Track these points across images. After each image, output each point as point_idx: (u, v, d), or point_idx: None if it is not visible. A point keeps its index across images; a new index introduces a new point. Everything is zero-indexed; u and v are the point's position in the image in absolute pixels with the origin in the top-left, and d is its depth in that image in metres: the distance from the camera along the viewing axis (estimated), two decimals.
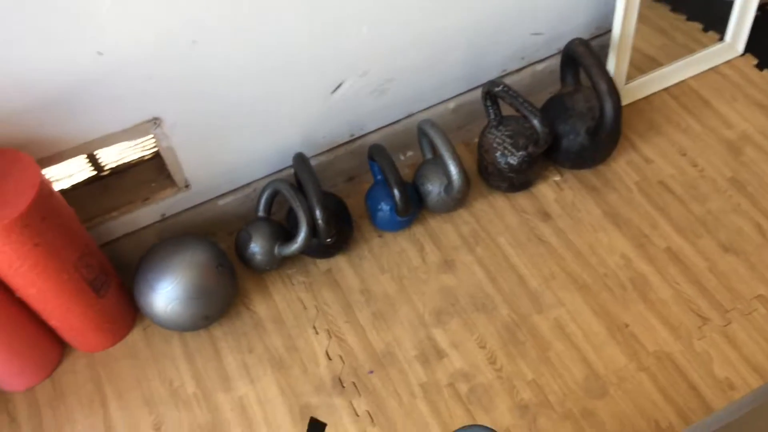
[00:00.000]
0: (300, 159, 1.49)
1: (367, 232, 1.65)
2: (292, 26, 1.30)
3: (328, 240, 1.48)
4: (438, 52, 1.55)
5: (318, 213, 1.43)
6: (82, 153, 1.29)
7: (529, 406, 1.39)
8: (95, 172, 1.48)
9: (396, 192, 1.48)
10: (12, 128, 1.18)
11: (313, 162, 1.57)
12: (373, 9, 1.37)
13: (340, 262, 1.61)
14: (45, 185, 1.15)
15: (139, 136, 1.34)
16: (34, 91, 1.15)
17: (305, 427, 1.39)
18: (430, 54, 1.54)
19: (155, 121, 1.32)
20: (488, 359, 1.45)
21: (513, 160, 1.57)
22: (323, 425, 1.00)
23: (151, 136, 1.35)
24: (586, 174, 1.69)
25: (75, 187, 1.45)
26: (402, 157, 1.73)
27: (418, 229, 1.65)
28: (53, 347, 1.46)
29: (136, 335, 1.53)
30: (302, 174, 1.45)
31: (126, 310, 1.49)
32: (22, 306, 1.32)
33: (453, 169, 1.49)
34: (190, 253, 1.42)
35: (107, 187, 1.49)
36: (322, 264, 1.61)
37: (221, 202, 1.59)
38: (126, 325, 1.51)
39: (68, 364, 1.49)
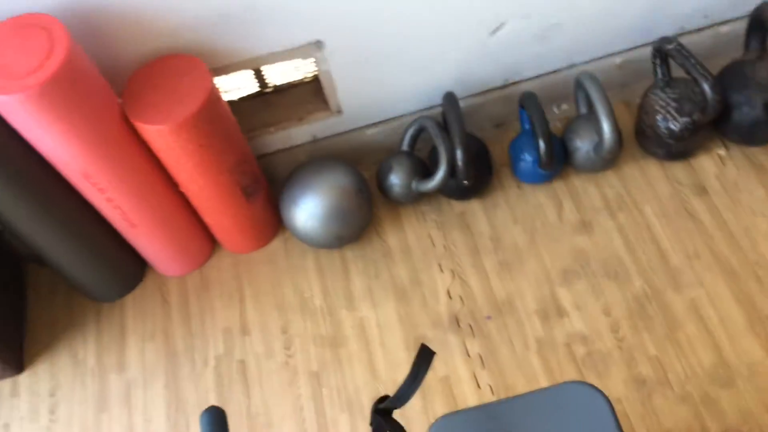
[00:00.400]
0: (450, 98, 1.49)
1: (506, 181, 1.64)
2: None
3: (465, 182, 1.49)
4: (612, 0, 1.47)
5: (459, 153, 1.44)
6: (249, 67, 1.39)
7: (647, 382, 1.34)
8: (259, 89, 1.58)
9: (541, 143, 1.45)
10: (192, 36, 1.28)
11: (463, 104, 1.57)
12: None
13: (474, 206, 1.62)
14: (214, 92, 1.26)
15: (301, 57, 1.41)
16: (216, 3, 1.24)
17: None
18: (603, 1, 1.47)
19: (317, 44, 1.38)
20: (611, 327, 1.41)
21: (675, 126, 1.47)
22: (432, 353, 1.02)
23: (313, 59, 1.42)
24: (756, 152, 1.55)
25: (241, 100, 1.56)
26: (555, 110, 1.68)
27: (559, 185, 1.61)
28: (205, 243, 1.61)
29: (276, 244, 1.65)
30: (449, 113, 1.46)
31: (271, 220, 1.61)
32: (184, 200, 1.46)
33: (606, 127, 1.43)
34: (334, 176, 1.50)
35: (268, 103, 1.59)
36: (457, 206, 1.63)
37: (369, 131, 1.64)
38: (269, 234, 1.63)
39: (216, 260, 1.65)
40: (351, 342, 1.49)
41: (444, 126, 1.54)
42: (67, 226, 1.36)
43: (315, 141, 1.63)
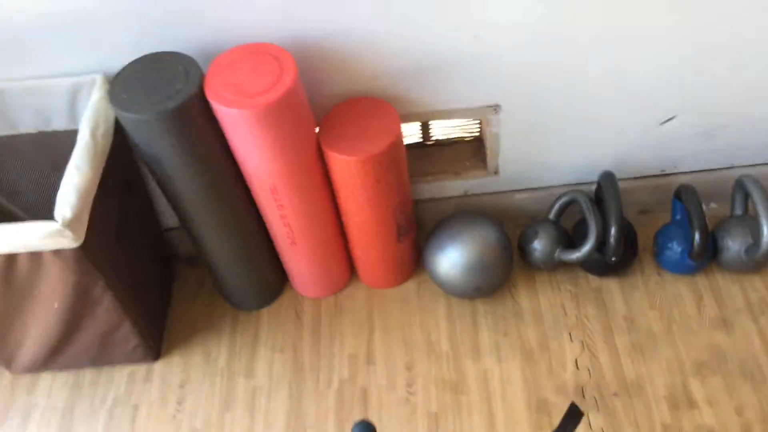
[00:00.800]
0: (610, 176, 1.54)
1: (646, 266, 1.66)
2: (651, 50, 1.35)
3: (613, 259, 1.52)
4: None
5: (613, 230, 1.48)
6: (428, 119, 1.48)
7: None
8: (422, 139, 1.68)
9: (697, 235, 1.48)
10: (387, 83, 1.39)
11: None
12: (738, 49, 1.37)
13: (611, 284, 1.65)
14: (400, 136, 1.35)
15: (475, 117, 1.49)
16: (416, 57, 1.34)
17: (537, 417, 1.46)
18: None
19: (495, 107, 1.46)
20: (742, 428, 1.40)
21: None
22: (581, 414, 1.06)
23: (485, 120, 1.50)
24: None
25: (406, 147, 1.66)
26: (705, 207, 1.70)
27: (701, 279, 1.62)
28: (345, 272, 1.69)
29: (410, 285, 1.71)
30: (608, 190, 1.51)
31: (410, 262, 1.68)
32: (341, 229, 1.56)
33: (766, 232, 1.44)
34: (482, 230, 1.56)
35: (428, 154, 1.68)
36: (594, 281, 1.66)
37: (518, 196, 1.71)
38: (406, 275, 1.70)
39: (351, 290, 1.72)
40: (473, 391, 1.52)
41: (596, 202, 1.58)
42: (237, 234, 1.47)
43: (464, 196, 1.70)
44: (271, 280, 1.67)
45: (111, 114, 1.27)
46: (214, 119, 1.25)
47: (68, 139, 1.39)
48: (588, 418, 1.45)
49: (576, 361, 1.54)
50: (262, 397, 1.57)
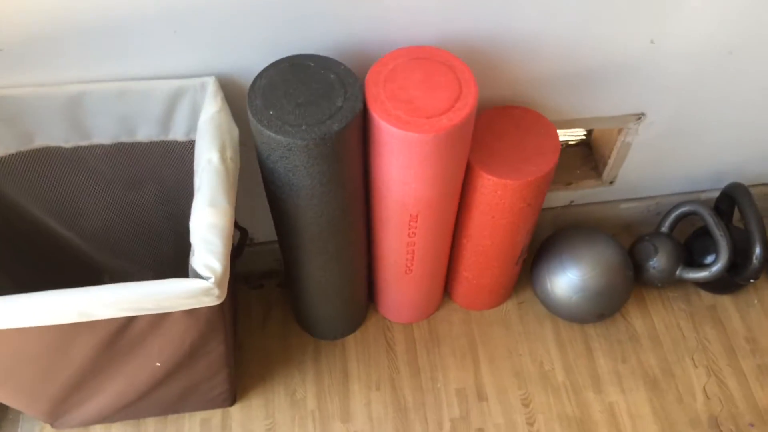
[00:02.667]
0: (742, 188, 1.43)
1: (758, 281, 1.57)
2: None
3: (753, 280, 1.41)
4: None
5: (758, 250, 1.37)
6: (568, 127, 1.30)
7: None
8: None
9: None
10: (533, 87, 1.20)
11: None
12: None
13: (725, 301, 1.55)
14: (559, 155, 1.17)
15: (616, 126, 1.33)
16: (572, 62, 1.16)
17: None
18: None
19: (639, 116, 1.31)
20: None
21: None
22: None
23: (625, 128, 1.34)
24: None
25: None
26: None
27: None
28: (440, 295, 1.50)
29: (509, 306, 1.55)
30: (747, 206, 1.39)
31: (515, 282, 1.51)
32: (448, 250, 1.37)
33: None
34: (608, 250, 1.41)
35: None
36: (707, 298, 1.55)
37: (623, 206, 1.57)
38: (507, 295, 1.54)
39: (444, 313, 1.54)
40: (601, 427, 1.39)
41: (718, 213, 1.47)
42: (346, 263, 1.25)
43: (568, 206, 1.54)
44: (358, 304, 1.46)
45: (235, 130, 1.02)
46: (365, 138, 1.03)
47: (150, 152, 1.14)
48: None
49: (705, 389, 1.43)
50: None
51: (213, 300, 0.91)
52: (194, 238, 0.91)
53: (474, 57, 1.10)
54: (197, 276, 0.89)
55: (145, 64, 1.03)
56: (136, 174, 1.17)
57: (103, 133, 1.09)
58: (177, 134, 1.11)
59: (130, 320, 0.92)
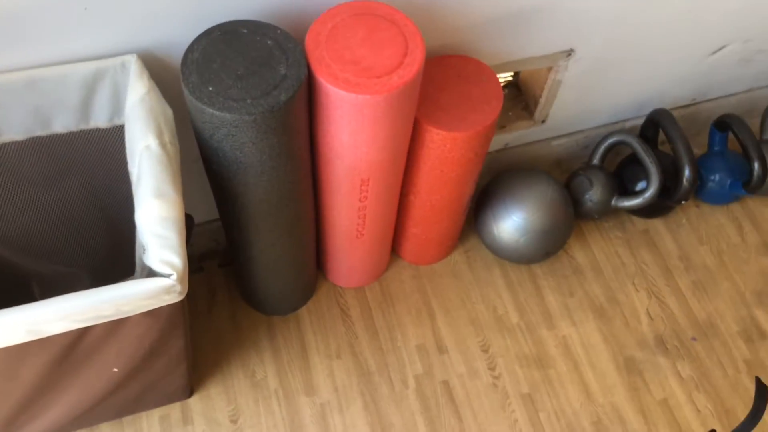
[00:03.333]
0: (668, 114, 1.47)
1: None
2: None
3: (683, 202, 1.47)
4: None
5: (688, 171, 1.42)
6: (505, 71, 1.29)
7: None
8: None
9: (757, 166, 1.47)
10: (466, 36, 1.17)
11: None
12: None
13: (657, 224, 1.61)
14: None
15: (547, 65, 1.33)
16: (502, 4, 1.14)
17: (630, 377, 1.42)
18: None
19: (569, 53, 1.31)
20: None
21: None
22: (766, 388, 1.01)
23: (554, 66, 1.34)
24: None
25: None
26: None
27: (735, 208, 1.64)
28: (388, 253, 1.48)
29: (457, 257, 1.55)
30: (672, 130, 1.44)
31: (460, 232, 1.51)
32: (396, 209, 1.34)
33: None
34: (548, 189, 1.43)
35: None
36: (639, 223, 1.61)
37: (554, 143, 1.59)
38: (453, 245, 1.54)
39: (394, 272, 1.52)
40: (558, 363, 1.43)
41: (644, 141, 1.51)
42: (297, 236, 1.20)
43: (504, 149, 1.55)
44: (307, 276, 1.41)
45: (169, 111, 0.94)
46: (309, 106, 0.97)
47: (70, 143, 1.04)
48: (676, 367, 1.43)
49: (648, 311, 1.50)
50: (335, 414, 1.35)
51: (175, 297, 0.84)
52: (144, 235, 0.84)
53: (410, 8, 1.06)
54: (154, 274, 0.82)
55: (55, 48, 0.92)
56: (57, 168, 1.06)
57: (14, 128, 0.98)
58: (99, 121, 1.01)
59: (84, 330, 0.85)
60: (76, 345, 0.87)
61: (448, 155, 1.15)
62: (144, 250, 0.85)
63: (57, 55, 0.93)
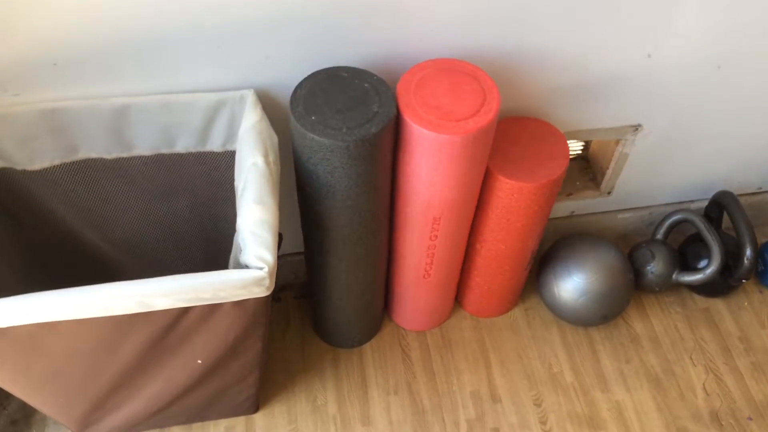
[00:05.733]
0: (730, 195, 1.53)
1: (747, 285, 1.67)
2: None
3: (744, 281, 1.51)
4: None
5: (749, 251, 1.47)
6: (574, 139, 1.40)
7: None
8: None
9: None
10: (541, 102, 1.30)
11: None
12: None
13: (717, 304, 1.64)
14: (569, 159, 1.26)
15: (615, 137, 1.43)
16: (577, 75, 1.26)
17: None
18: None
19: (636, 128, 1.41)
20: None
21: None
22: None
23: (622, 139, 1.45)
24: None
25: None
26: None
27: None
28: (451, 301, 1.57)
29: (517, 313, 1.62)
30: (735, 211, 1.50)
31: (522, 288, 1.59)
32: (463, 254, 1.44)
33: None
34: (609, 254, 1.50)
35: None
36: (700, 301, 1.65)
37: (620, 216, 1.67)
38: (514, 302, 1.61)
39: (455, 320, 1.61)
40: (609, 424, 1.46)
41: (709, 221, 1.57)
42: (370, 268, 1.31)
43: (571, 216, 1.64)
44: (375, 313, 1.52)
45: (275, 137, 1.10)
46: (395, 144, 1.11)
47: (186, 163, 1.20)
48: None
49: (704, 386, 1.51)
50: None
51: (263, 290, 0.97)
52: (243, 234, 0.98)
53: (489, 69, 1.20)
54: (249, 268, 0.95)
55: (189, 78, 1.11)
56: (171, 183, 1.23)
57: (145, 144, 1.16)
58: (214, 145, 1.18)
59: (183, 312, 0.98)
60: (174, 325, 1.00)
61: (514, 204, 1.26)
62: (241, 250, 0.99)
63: (190, 84, 1.11)
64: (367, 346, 1.56)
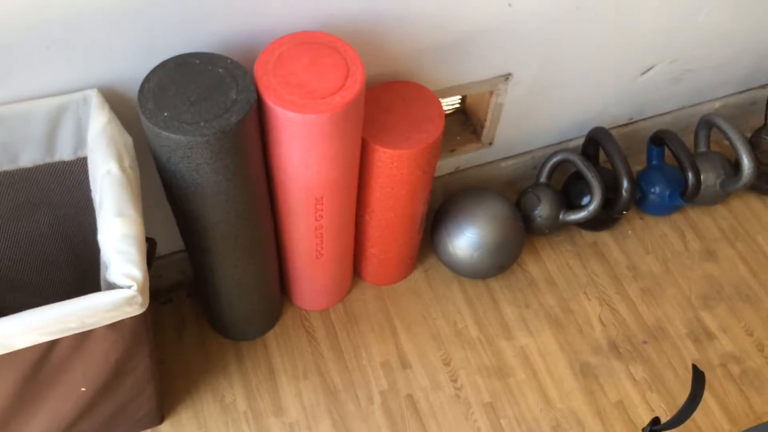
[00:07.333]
0: (604, 131, 1.57)
1: (630, 214, 1.74)
2: (642, 3, 1.38)
3: (625, 212, 1.56)
4: (737, 50, 1.63)
5: (626, 183, 1.51)
6: (447, 96, 1.38)
7: None
8: None
9: (691, 176, 1.57)
10: (410, 62, 1.26)
11: None
12: None
13: (604, 236, 1.70)
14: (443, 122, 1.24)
15: (488, 89, 1.42)
16: (441, 33, 1.23)
17: (586, 381, 1.48)
18: (730, 51, 1.63)
19: (507, 77, 1.41)
20: (756, 346, 1.54)
21: None
22: (703, 374, 1.08)
23: (493, 90, 1.44)
24: None
25: None
26: None
27: (678, 218, 1.73)
28: (350, 275, 1.54)
29: (417, 276, 1.62)
30: (610, 146, 1.54)
31: (418, 251, 1.58)
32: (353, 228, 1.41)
33: (746, 163, 1.57)
34: (496, 206, 1.51)
35: None
36: (588, 236, 1.70)
37: (503, 164, 1.68)
38: (412, 265, 1.60)
39: (357, 293, 1.58)
40: (517, 371, 1.49)
41: (586, 158, 1.61)
42: (258, 257, 1.26)
43: (455, 172, 1.63)
44: (272, 300, 1.47)
45: (129, 139, 1.00)
46: (261, 129, 1.05)
47: (37, 177, 1.09)
48: (629, 370, 1.50)
49: (600, 318, 1.57)
50: None
51: (137, 309, 0.90)
52: (107, 252, 0.89)
53: (352, 38, 1.14)
54: (116, 287, 0.88)
55: (20, 85, 0.99)
56: (24, 201, 1.11)
57: None
58: (63, 154, 1.08)
59: (51, 345, 0.89)
60: (44, 361, 0.91)
61: (396, 173, 1.23)
62: (107, 268, 0.90)
63: (22, 92, 1.00)
64: (270, 334, 1.51)
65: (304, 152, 1.05)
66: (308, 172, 1.09)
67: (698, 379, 1.10)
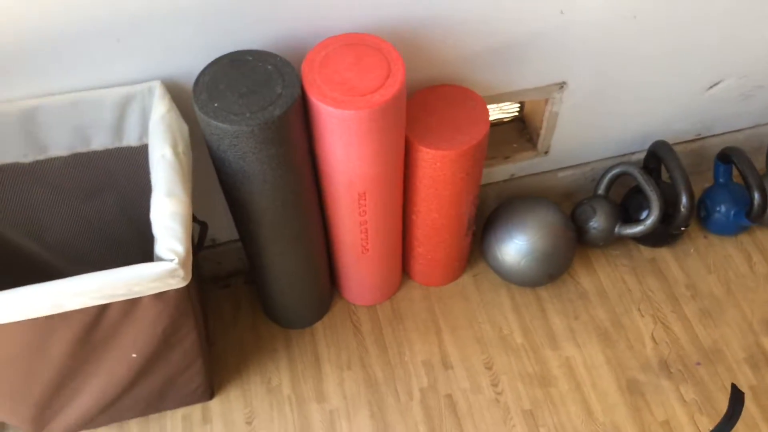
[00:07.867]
0: (665, 145, 1.54)
1: (692, 231, 1.69)
2: (716, 11, 1.35)
3: (683, 228, 1.52)
4: None
5: (685, 199, 1.48)
6: (500, 101, 1.40)
7: None
8: None
9: (757, 196, 1.51)
10: (461, 67, 1.30)
11: None
12: None
13: (664, 253, 1.66)
14: (489, 124, 1.26)
15: (542, 96, 1.43)
16: (495, 38, 1.26)
17: (632, 398, 1.45)
18: None
19: (561, 85, 1.41)
20: None
21: None
22: (742, 393, 1.05)
23: (549, 98, 1.44)
24: None
25: None
26: None
27: (744, 239, 1.67)
28: (399, 274, 1.58)
29: (466, 280, 1.64)
30: (670, 160, 1.51)
31: (468, 254, 1.60)
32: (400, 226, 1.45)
33: None
34: (548, 214, 1.51)
35: None
36: (646, 252, 1.66)
37: (561, 174, 1.67)
38: (461, 268, 1.62)
39: (405, 292, 1.62)
40: (560, 382, 1.48)
41: (648, 172, 1.58)
42: (307, 247, 1.32)
43: (510, 179, 1.64)
44: (323, 292, 1.53)
45: (185, 127, 1.09)
46: (307, 123, 1.11)
47: (106, 160, 1.20)
48: (679, 390, 1.46)
49: (652, 335, 1.54)
50: (342, 420, 1.44)
51: (179, 282, 0.97)
52: (156, 228, 0.98)
53: (401, 41, 1.19)
54: (161, 260, 0.96)
55: (93, 74, 1.10)
56: (95, 183, 1.22)
57: (59, 144, 1.15)
58: (130, 140, 1.18)
59: (102, 309, 0.98)
60: (96, 324, 1.01)
61: (439, 174, 1.26)
62: (156, 242, 0.99)
63: (95, 80, 1.10)
64: (318, 325, 1.57)
65: (345, 147, 1.10)
66: (350, 167, 1.14)
67: (737, 398, 1.06)
